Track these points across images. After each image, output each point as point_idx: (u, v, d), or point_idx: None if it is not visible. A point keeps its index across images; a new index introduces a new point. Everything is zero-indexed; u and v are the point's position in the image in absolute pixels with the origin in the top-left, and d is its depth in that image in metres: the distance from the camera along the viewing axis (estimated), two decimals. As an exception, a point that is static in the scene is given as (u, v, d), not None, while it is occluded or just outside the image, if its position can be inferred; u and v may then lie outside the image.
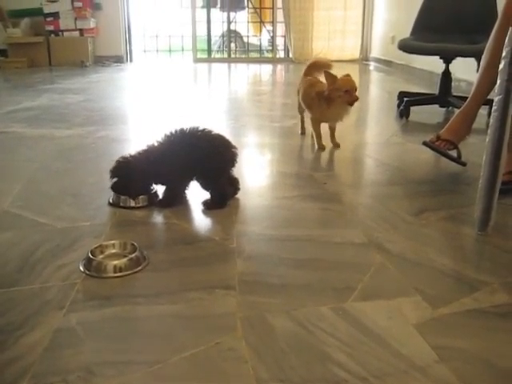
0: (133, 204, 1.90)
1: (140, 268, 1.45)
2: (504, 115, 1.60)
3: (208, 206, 1.91)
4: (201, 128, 1.95)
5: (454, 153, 2.31)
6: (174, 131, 1.94)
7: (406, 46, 3.45)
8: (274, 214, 1.88)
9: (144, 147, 1.96)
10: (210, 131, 1.96)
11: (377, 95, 4.97)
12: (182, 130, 1.94)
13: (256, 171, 2.44)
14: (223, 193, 1.93)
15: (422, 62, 5.45)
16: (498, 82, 1.60)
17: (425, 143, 2.30)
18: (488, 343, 1.16)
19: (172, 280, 1.41)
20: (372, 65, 7.14)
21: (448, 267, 1.50)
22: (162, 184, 1.97)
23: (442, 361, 1.10)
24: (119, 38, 6.90)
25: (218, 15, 7.59)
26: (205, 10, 7.41)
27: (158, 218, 1.85)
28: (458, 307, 1.30)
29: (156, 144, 1.94)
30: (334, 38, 7.29)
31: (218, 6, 7.80)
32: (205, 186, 1.93)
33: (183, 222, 1.80)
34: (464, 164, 2.29)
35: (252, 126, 3.36)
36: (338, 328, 1.20)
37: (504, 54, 1.57)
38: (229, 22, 7.49)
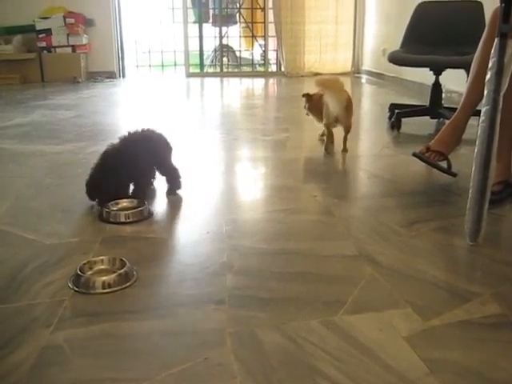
0: (123, 219, 1.89)
1: (129, 284, 1.44)
2: (491, 126, 1.60)
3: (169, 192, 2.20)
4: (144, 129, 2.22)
5: (444, 164, 2.31)
6: (125, 135, 2.17)
7: (395, 59, 3.47)
8: (265, 228, 1.87)
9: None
10: (152, 130, 2.24)
11: (369, 107, 4.98)
12: (132, 133, 2.19)
13: (247, 184, 2.43)
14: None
15: (413, 74, 5.48)
16: (485, 92, 1.60)
17: (415, 155, 2.31)
18: (479, 355, 1.15)
19: (161, 295, 1.40)
20: (364, 77, 7.17)
21: (439, 279, 1.49)
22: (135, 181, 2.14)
23: (433, 373, 1.09)
24: (112, 54, 6.92)
25: (210, 30, 7.63)
26: (197, 25, 7.44)
27: (148, 233, 1.84)
28: (449, 319, 1.29)
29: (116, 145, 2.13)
30: (326, 52, 7.32)
31: (210, 20, 7.83)
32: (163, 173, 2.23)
33: (173, 237, 1.79)
34: (455, 175, 2.30)
35: (244, 140, 3.37)
36: (327, 342, 1.19)
37: (490, 64, 1.58)
38: (221, 37, 7.52)
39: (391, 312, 1.32)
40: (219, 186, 2.35)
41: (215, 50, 7.81)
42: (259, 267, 1.57)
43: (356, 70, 7.52)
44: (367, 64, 7.34)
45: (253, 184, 2.44)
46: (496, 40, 1.56)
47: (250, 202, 2.17)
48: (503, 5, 1.53)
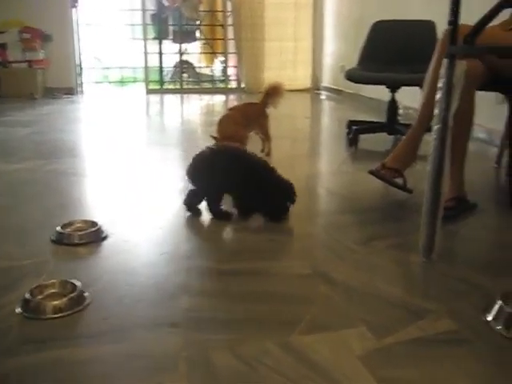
0: (77, 240, 1.85)
1: (81, 307, 1.40)
2: (442, 144, 1.63)
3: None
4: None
5: (400, 180, 2.34)
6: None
7: (352, 76, 3.52)
8: (222, 247, 1.86)
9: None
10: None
11: (328, 124, 5.05)
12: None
13: (204, 203, 2.40)
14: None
15: (371, 91, 5.57)
16: (436, 112, 1.64)
17: (371, 172, 2.33)
18: (432, 373, 1.16)
19: (115, 318, 1.37)
20: (323, 94, 7.27)
21: (394, 296, 1.50)
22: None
23: (387, 393, 1.09)
24: (70, 70, 6.83)
25: (170, 46, 7.63)
26: (157, 42, 7.41)
27: (102, 254, 1.80)
28: (403, 336, 1.30)
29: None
30: (285, 68, 7.40)
31: (170, 37, 7.83)
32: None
33: (128, 259, 1.76)
34: (410, 191, 2.33)
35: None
36: (282, 363, 1.18)
37: (440, 84, 1.61)
38: (180, 54, 7.52)
39: (346, 331, 1.32)
40: (175, 206, 2.33)
41: (175, 67, 7.80)
42: (216, 288, 1.55)
43: (315, 87, 7.61)
44: (326, 80, 7.45)
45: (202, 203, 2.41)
46: (444, 61, 1.59)
47: (207, 221, 2.15)
48: (451, 27, 1.57)
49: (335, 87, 6.98)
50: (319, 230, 2.02)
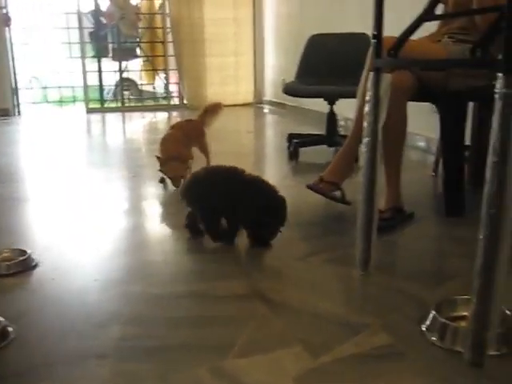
0: (4, 271, 1.77)
1: (3, 344, 1.33)
2: (373, 157, 1.64)
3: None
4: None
5: (338, 193, 2.34)
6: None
7: (290, 90, 3.54)
8: (156, 271, 1.81)
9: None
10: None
11: (270, 138, 5.06)
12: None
13: (139, 226, 2.35)
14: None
15: (312, 104, 5.61)
16: (365, 124, 1.64)
17: (308, 186, 2.33)
18: (367, 390, 1.15)
19: (39, 355, 1.30)
20: (266, 108, 7.30)
21: (331, 312, 1.49)
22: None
23: (321, 415, 1.06)
24: (5, 90, 6.63)
25: (110, 64, 7.51)
26: (96, 60, 7.28)
27: (30, 284, 1.72)
28: (339, 354, 1.28)
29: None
30: (228, 84, 7.39)
31: (110, 55, 7.71)
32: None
33: (57, 288, 1.68)
34: (349, 203, 2.33)
35: (145, 177, 3.29)
36: (215, 391, 1.14)
37: (367, 97, 1.62)
38: (120, 71, 7.41)
39: (281, 352, 1.29)
40: (116, 228, 2.26)
41: (116, 85, 7.68)
42: (149, 314, 1.50)
43: (258, 101, 7.64)
44: (269, 94, 7.48)
45: (145, 225, 2.36)
46: (371, 74, 1.60)
47: (141, 244, 2.09)
48: (375, 41, 1.58)
49: (277, 101, 7.02)
50: (256, 249, 1.98)
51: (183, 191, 2.06)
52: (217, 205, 1.95)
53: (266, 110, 7.08)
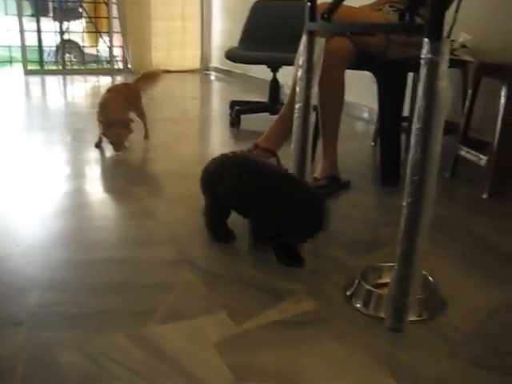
0: None
1: None
2: (305, 122, 1.62)
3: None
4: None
5: (274, 160, 2.32)
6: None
7: (232, 56, 3.47)
8: (84, 236, 1.75)
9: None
10: None
11: (214, 105, 4.98)
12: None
13: (70, 190, 2.26)
14: None
15: (258, 71, 5.56)
16: (297, 90, 1.61)
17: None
18: (287, 356, 1.14)
19: (-51, 322, 1.24)
20: (213, 75, 7.19)
21: (258, 279, 1.47)
22: None
23: (239, 381, 1.06)
24: None
25: (50, 24, 7.19)
26: (34, 19, 6.95)
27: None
28: (262, 320, 1.27)
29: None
30: (174, 49, 7.22)
31: (50, 14, 7.38)
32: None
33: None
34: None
35: (84, 141, 3.18)
36: (132, 358, 1.11)
37: (300, 62, 1.59)
38: (61, 32, 7.12)
39: (204, 318, 1.27)
40: (43, 194, 2.18)
41: (57, 47, 7.38)
42: (73, 280, 1.45)
43: (205, 68, 7.51)
44: (215, 61, 7.37)
45: (77, 189, 2.27)
46: (304, 38, 1.57)
47: (71, 209, 2.01)
48: (309, 4, 1.54)
49: (224, 68, 6.92)
50: (190, 214, 1.95)
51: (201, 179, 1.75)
52: (226, 195, 1.63)
53: (212, 77, 6.98)
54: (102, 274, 1.48)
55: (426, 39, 1.10)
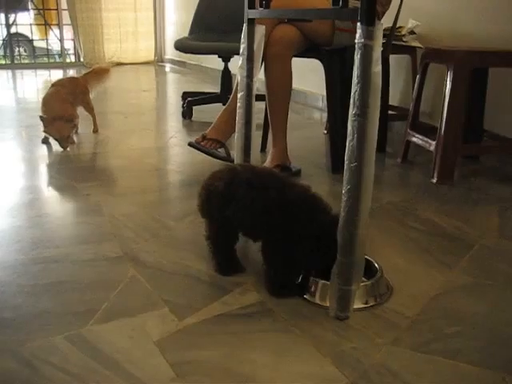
0: None
1: None
2: (248, 111, 1.60)
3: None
4: None
5: (222, 151, 2.30)
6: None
7: (181, 46, 3.41)
8: (24, 236, 1.68)
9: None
10: None
11: (167, 97, 4.91)
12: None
13: (10, 187, 2.19)
14: None
15: (212, 62, 5.51)
16: (239, 78, 1.59)
17: (190, 144, 2.27)
18: (230, 349, 1.12)
19: None
20: (168, 66, 7.10)
21: (203, 272, 1.45)
22: None
23: (179, 377, 1.03)
24: None
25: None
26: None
27: None
28: (206, 314, 1.25)
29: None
30: (127, 41, 7.10)
31: (-5, 6, 7.16)
32: None
33: None
34: (233, 161, 2.28)
35: (30, 137, 3.09)
36: (69, 360, 1.07)
37: (241, 50, 1.56)
38: (8, 24, 6.91)
39: (146, 315, 1.24)
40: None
41: (4, 40, 7.16)
42: (7, 282, 1.39)
43: (159, 59, 7.42)
44: (170, 53, 7.28)
45: (20, 187, 2.20)
46: (244, 26, 1.54)
47: (13, 207, 1.94)
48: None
49: (179, 59, 6.85)
50: (136, 209, 1.91)
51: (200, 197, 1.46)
52: (234, 219, 1.37)
53: (167, 69, 6.89)
54: (39, 275, 1.43)
55: (359, 24, 1.08)
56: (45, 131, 2.74)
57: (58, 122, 2.70)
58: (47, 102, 2.81)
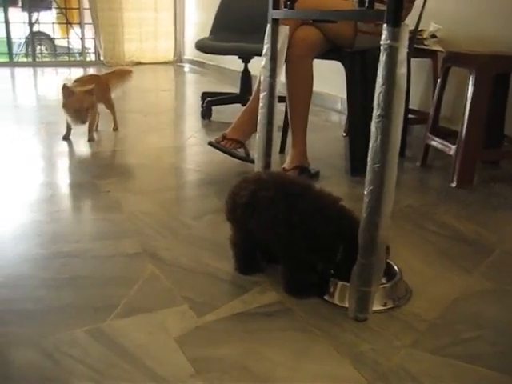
0: None
1: None
2: (270, 112, 1.60)
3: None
4: None
5: (242, 151, 2.30)
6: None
7: (202, 46, 3.42)
8: (45, 230, 1.70)
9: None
10: None
11: (186, 97, 4.94)
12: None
13: (36, 183, 2.22)
14: None
15: (231, 62, 5.52)
16: (262, 78, 1.59)
17: (210, 144, 2.28)
18: (247, 347, 1.12)
19: None
20: (187, 66, 7.12)
21: (222, 271, 1.45)
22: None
23: (198, 374, 1.04)
24: None
25: (19, 15, 7.03)
26: (1, 9, 6.79)
27: None
28: (225, 312, 1.25)
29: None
30: (147, 40, 7.13)
31: (19, 4, 7.22)
32: None
33: None
34: (252, 161, 2.29)
35: (52, 134, 3.12)
36: (89, 353, 1.09)
37: (264, 50, 1.57)
38: (30, 23, 6.98)
39: (165, 311, 1.25)
40: (6, 188, 2.12)
41: (27, 38, 7.23)
42: (29, 275, 1.41)
43: (178, 59, 7.45)
44: (189, 53, 7.30)
45: (42, 183, 2.22)
46: (268, 26, 1.55)
47: (34, 203, 1.96)
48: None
49: (198, 59, 6.87)
50: (155, 207, 1.92)
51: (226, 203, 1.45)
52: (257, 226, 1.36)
53: (186, 69, 6.91)
54: (61, 269, 1.44)
55: (384, 25, 1.09)
56: (63, 105, 2.69)
57: (79, 93, 2.67)
58: (70, 94, 2.77)
